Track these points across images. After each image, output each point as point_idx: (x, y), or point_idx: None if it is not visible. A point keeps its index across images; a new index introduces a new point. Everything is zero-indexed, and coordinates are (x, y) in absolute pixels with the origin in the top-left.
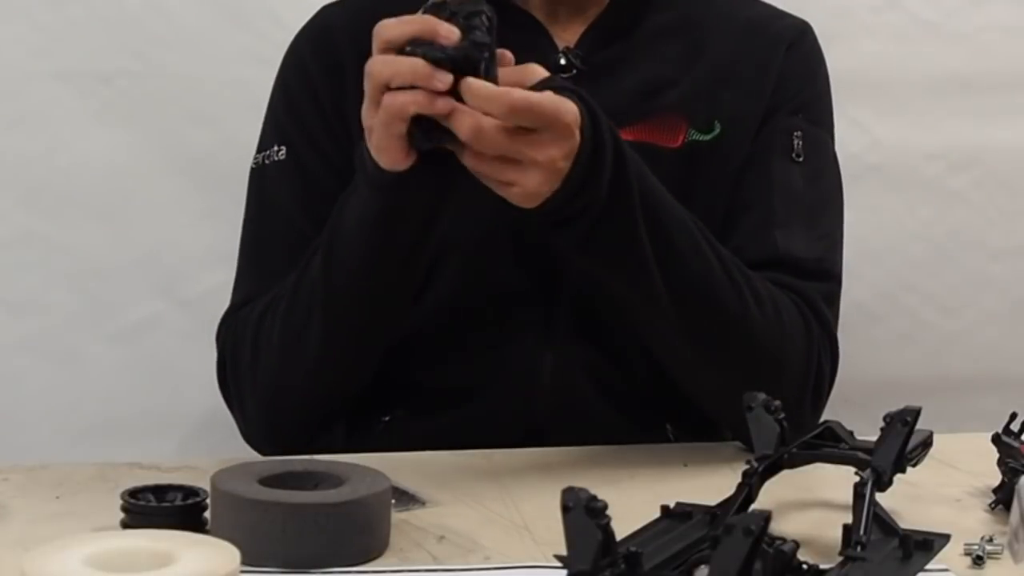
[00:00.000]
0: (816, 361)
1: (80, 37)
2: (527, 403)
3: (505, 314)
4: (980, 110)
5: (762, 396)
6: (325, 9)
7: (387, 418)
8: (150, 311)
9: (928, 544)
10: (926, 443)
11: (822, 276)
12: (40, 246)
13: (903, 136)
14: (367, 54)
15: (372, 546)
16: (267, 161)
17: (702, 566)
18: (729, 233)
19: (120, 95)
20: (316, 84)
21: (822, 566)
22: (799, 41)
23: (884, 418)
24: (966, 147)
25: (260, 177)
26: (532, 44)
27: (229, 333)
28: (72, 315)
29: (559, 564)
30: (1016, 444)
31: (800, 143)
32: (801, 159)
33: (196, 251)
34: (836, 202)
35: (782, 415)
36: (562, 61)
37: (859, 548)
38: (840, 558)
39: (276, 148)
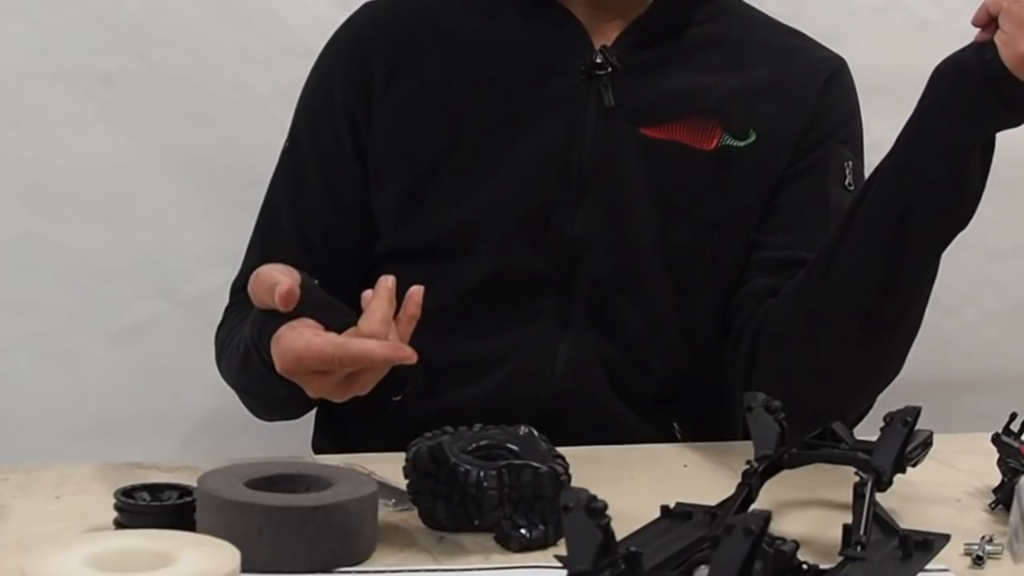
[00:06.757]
0: None
1: (80, 37)
2: (539, 389)
3: (522, 300)
4: None
5: (762, 396)
6: (368, 6)
7: (398, 398)
8: (150, 311)
9: (928, 544)
10: (926, 443)
11: None
12: (40, 246)
13: None
14: (395, 55)
15: (351, 551)
16: (284, 148)
17: (702, 566)
18: (784, 240)
19: (120, 95)
20: (335, 82)
21: (822, 566)
22: (839, 74)
23: (884, 418)
24: None
25: (278, 162)
26: (569, 42)
27: (221, 324)
28: (72, 315)
29: (559, 564)
30: (1016, 444)
31: (850, 173)
32: (852, 188)
33: (196, 251)
34: None
35: (782, 415)
36: (598, 59)
37: (859, 548)
38: (840, 558)
39: (288, 139)
